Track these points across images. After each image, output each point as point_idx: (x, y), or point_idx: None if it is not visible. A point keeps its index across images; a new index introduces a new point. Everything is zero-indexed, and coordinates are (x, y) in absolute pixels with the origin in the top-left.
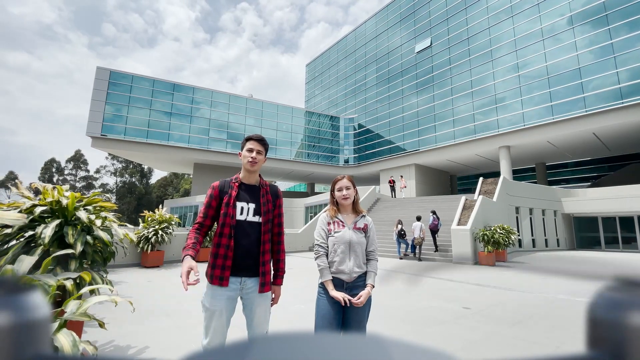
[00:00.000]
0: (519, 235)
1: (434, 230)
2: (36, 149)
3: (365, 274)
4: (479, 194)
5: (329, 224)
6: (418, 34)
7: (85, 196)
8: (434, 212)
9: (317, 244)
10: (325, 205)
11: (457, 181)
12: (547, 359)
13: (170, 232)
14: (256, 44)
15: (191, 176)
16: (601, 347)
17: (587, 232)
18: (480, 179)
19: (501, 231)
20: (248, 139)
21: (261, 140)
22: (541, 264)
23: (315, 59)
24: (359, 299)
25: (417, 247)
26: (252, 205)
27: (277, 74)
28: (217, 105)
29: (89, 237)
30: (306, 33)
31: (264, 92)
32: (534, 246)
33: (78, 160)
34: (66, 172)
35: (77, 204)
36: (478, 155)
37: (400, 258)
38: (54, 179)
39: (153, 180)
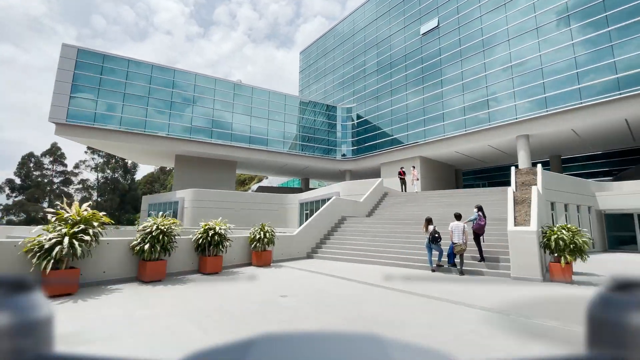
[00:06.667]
0: (591, 239)
1: (478, 233)
2: (22, 145)
3: None
4: (516, 187)
5: None
6: (424, 14)
7: None
8: (479, 208)
9: None
10: (323, 201)
11: (462, 176)
12: (547, 359)
13: (89, 241)
14: (251, 38)
15: None
16: (601, 347)
17: (620, 231)
18: (513, 168)
19: (567, 232)
20: None
21: None
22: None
23: (310, 45)
24: None
25: (458, 255)
26: None
27: (272, 69)
28: (202, 90)
29: None
30: (302, 27)
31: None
32: None
33: (54, 154)
34: (45, 166)
35: None
36: (491, 147)
37: (433, 270)
38: (32, 175)
39: (139, 176)
